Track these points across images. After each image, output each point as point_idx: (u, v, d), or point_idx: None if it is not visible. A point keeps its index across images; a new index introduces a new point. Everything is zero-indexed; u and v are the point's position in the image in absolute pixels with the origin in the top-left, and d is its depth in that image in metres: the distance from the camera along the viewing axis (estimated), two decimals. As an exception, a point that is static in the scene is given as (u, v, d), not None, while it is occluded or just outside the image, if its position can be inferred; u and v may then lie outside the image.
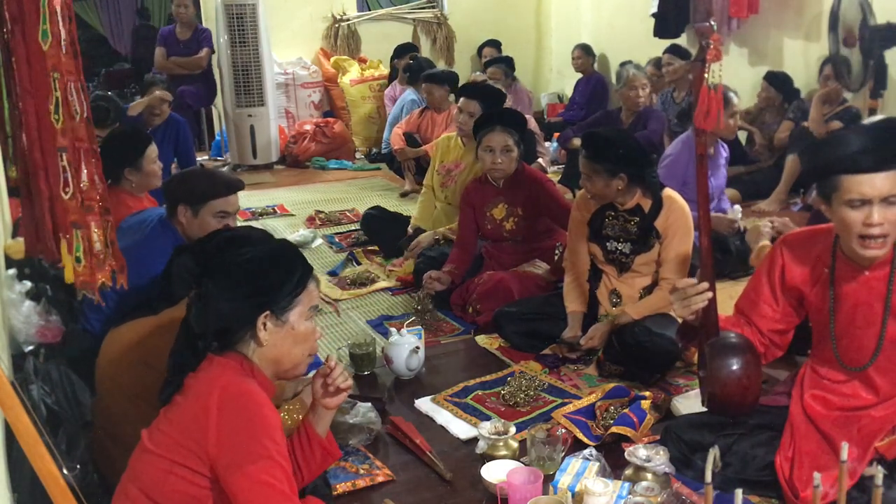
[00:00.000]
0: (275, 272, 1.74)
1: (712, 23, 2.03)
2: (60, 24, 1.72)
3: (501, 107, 3.84)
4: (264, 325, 1.71)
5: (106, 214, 1.89)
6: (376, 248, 4.65)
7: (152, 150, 3.35)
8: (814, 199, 4.63)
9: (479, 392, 2.92)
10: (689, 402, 2.66)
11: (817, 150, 2.02)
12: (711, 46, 2.01)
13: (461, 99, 4.48)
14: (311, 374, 2.09)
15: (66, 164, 1.78)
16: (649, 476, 2.23)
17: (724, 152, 4.05)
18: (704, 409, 2.39)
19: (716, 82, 2.03)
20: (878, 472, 1.49)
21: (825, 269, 2.17)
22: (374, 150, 7.43)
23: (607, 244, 3.14)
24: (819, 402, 2.20)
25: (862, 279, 2.10)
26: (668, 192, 3.04)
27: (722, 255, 3.77)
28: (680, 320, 3.00)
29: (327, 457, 1.93)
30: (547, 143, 6.47)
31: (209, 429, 1.59)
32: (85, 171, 1.83)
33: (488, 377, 3.04)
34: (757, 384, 2.23)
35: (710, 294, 2.17)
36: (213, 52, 6.85)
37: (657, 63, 6.44)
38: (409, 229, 4.45)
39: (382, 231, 4.55)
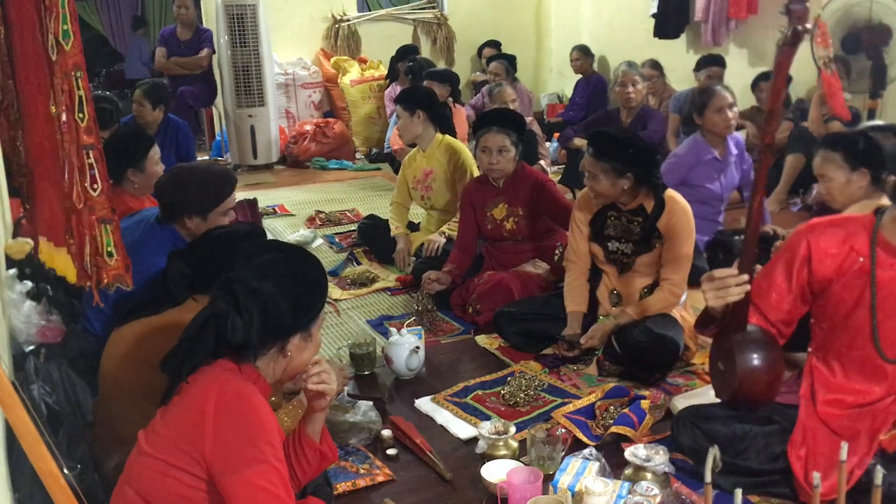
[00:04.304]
0: (315, 289, 1.77)
1: (808, 4, 1.99)
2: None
3: (522, 129, 3.77)
4: (292, 339, 1.74)
5: (113, 213, 1.90)
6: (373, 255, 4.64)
7: (155, 151, 3.34)
8: (814, 198, 4.63)
9: (479, 392, 2.92)
10: (689, 402, 2.66)
11: None
12: (818, 32, 1.96)
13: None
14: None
15: (94, 161, 1.79)
16: (649, 476, 2.24)
17: (735, 150, 4.04)
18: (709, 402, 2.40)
19: (829, 65, 2.00)
20: (878, 472, 1.50)
21: (860, 258, 2.13)
22: (375, 150, 7.44)
23: (609, 244, 3.14)
24: (833, 406, 2.19)
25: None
26: (671, 193, 3.04)
27: (724, 255, 3.77)
28: (679, 317, 3.02)
29: (323, 460, 1.92)
30: (547, 144, 6.47)
31: (205, 432, 1.59)
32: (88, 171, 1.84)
33: (488, 377, 3.04)
34: (780, 379, 2.24)
35: (748, 287, 2.14)
36: (213, 52, 6.86)
37: (654, 64, 6.43)
38: (396, 240, 4.38)
39: (377, 238, 4.55)
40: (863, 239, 2.14)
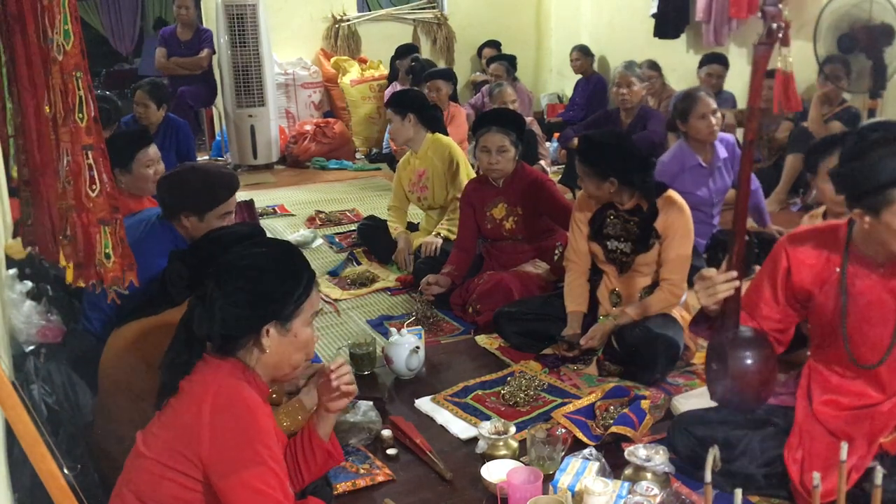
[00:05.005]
0: (282, 281, 1.71)
1: (781, 6, 2.03)
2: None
3: (522, 129, 3.78)
4: (268, 332, 1.70)
5: (115, 212, 1.90)
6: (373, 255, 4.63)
7: (147, 155, 3.26)
8: (814, 198, 4.63)
9: (479, 392, 2.92)
10: (689, 402, 2.66)
11: (861, 173, 1.96)
12: (784, 30, 2.02)
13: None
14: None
15: (93, 161, 1.79)
16: (649, 476, 2.24)
17: (725, 153, 4.02)
18: (707, 406, 2.39)
19: (788, 67, 2.06)
20: (878, 472, 1.50)
21: (836, 268, 2.14)
22: (375, 150, 7.44)
23: (608, 243, 3.14)
24: (829, 406, 2.19)
25: (876, 276, 2.09)
26: (669, 194, 3.04)
27: (724, 255, 3.76)
28: (679, 317, 3.02)
29: (329, 460, 1.92)
30: (547, 144, 6.47)
31: (202, 434, 1.59)
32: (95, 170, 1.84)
33: (488, 377, 3.04)
34: (774, 378, 2.23)
35: (737, 283, 2.14)
36: (213, 52, 6.86)
37: (652, 65, 6.43)
38: (396, 239, 4.38)
39: (377, 239, 4.55)
40: (837, 249, 2.15)
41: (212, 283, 1.69)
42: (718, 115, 3.89)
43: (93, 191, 1.80)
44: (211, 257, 2.15)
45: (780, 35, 2.05)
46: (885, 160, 1.91)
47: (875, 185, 1.93)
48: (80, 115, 1.75)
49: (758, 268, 2.47)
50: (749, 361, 2.18)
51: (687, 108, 3.85)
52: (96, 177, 1.80)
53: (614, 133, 3.35)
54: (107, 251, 1.85)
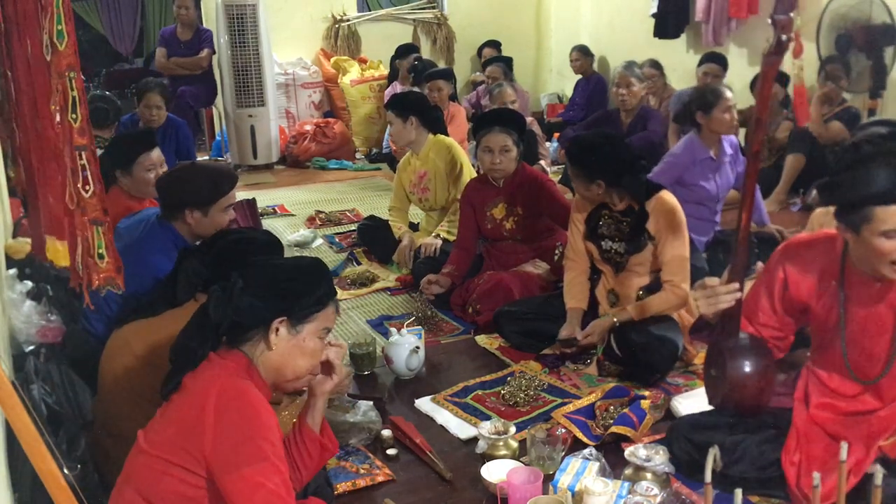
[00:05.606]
0: (301, 282, 1.79)
1: (793, 15, 2.00)
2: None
3: (523, 129, 3.78)
4: (277, 329, 1.74)
5: (106, 214, 1.90)
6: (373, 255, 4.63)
7: (149, 158, 3.22)
8: (814, 198, 4.63)
9: (479, 392, 2.92)
10: (689, 402, 2.66)
11: (843, 186, 1.94)
12: (794, 41, 1.99)
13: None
14: None
15: (86, 162, 1.79)
16: (649, 476, 2.24)
17: (730, 150, 4.04)
18: (706, 409, 2.39)
19: (800, 76, 2.04)
20: (878, 472, 1.50)
21: (833, 280, 2.13)
22: (375, 150, 7.44)
23: (602, 243, 3.14)
24: (827, 410, 2.19)
25: (874, 289, 2.07)
26: (661, 196, 3.02)
27: (725, 254, 3.77)
28: (678, 318, 3.02)
29: (324, 451, 1.93)
30: (547, 144, 6.48)
31: (205, 430, 1.59)
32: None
33: (488, 377, 3.04)
34: (772, 386, 2.23)
35: (738, 294, 2.14)
36: (213, 52, 6.86)
37: (654, 64, 6.43)
38: (400, 238, 4.37)
39: (377, 239, 4.54)
40: (834, 261, 2.13)
41: (238, 276, 1.76)
42: (733, 110, 3.94)
43: (86, 191, 1.80)
44: (230, 258, 2.18)
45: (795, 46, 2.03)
46: (867, 175, 1.88)
47: (854, 200, 1.91)
48: (74, 116, 1.75)
49: (759, 264, 2.47)
50: (748, 370, 2.19)
51: (712, 101, 3.88)
52: (89, 177, 1.80)
53: (603, 134, 3.37)
54: (100, 251, 1.85)
